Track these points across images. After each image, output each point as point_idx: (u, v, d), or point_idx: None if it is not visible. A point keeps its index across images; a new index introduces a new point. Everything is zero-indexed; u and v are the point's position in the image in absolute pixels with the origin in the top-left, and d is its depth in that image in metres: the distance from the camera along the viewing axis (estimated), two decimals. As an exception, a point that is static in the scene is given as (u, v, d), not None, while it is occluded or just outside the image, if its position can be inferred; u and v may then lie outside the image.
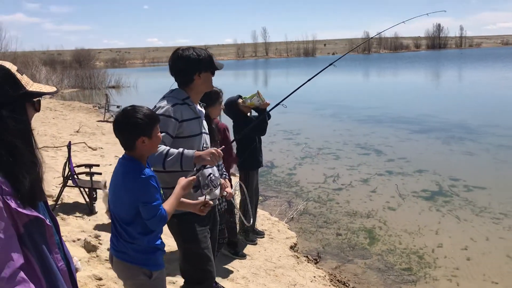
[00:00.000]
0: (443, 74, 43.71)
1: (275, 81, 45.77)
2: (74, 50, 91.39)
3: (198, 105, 3.13)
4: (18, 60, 32.38)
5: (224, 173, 3.86)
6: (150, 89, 34.87)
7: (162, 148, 2.72)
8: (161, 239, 2.46)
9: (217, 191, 3.15)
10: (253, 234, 5.54)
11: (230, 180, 3.91)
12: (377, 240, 6.08)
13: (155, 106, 2.93)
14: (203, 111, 3.19)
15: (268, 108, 4.54)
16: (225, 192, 3.49)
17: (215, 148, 2.84)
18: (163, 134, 2.72)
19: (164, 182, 2.77)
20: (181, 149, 2.76)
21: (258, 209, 6.55)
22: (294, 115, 18.45)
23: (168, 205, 2.38)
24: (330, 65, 4.05)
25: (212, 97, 3.92)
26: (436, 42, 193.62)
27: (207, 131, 3.20)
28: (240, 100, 4.95)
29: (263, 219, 6.37)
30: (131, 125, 2.29)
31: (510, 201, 7.27)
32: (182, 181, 2.54)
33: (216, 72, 3.13)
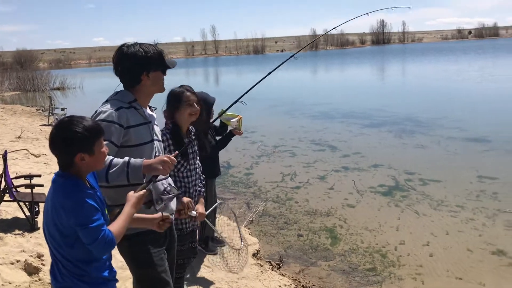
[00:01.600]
0: (389, 69, 44.91)
1: (226, 78, 45.42)
2: (15, 51, 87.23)
3: (148, 108, 2.76)
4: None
5: (201, 189, 3.50)
6: (97, 90, 33.59)
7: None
8: (111, 267, 2.13)
9: (173, 205, 2.81)
10: (213, 243, 5.24)
11: (206, 199, 3.52)
12: (339, 239, 5.95)
13: (96, 111, 2.55)
14: (154, 115, 2.81)
15: (227, 105, 4.28)
16: (194, 212, 3.13)
17: (167, 155, 2.48)
18: (105, 142, 2.33)
19: (110, 199, 2.41)
20: (126, 158, 2.40)
21: (216, 214, 6.28)
22: (248, 112, 18.11)
23: (115, 226, 2.04)
24: (291, 57, 3.90)
25: (173, 102, 3.31)
26: (380, 38, 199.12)
27: (160, 138, 2.83)
28: (220, 112, 4.72)
29: (223, 225, 6.08)
30: (67, 141, 1.94)
31: (464, 193, 7.36)
32: (131, 196, 2.20)
33: (168, 71, 2.77)
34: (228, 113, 4.69)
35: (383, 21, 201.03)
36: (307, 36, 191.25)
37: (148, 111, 2.75)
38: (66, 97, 32.25)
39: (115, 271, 2.15)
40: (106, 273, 2.07)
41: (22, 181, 5.94)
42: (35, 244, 4.96)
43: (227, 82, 39.08)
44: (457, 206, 6.82)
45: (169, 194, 2.56)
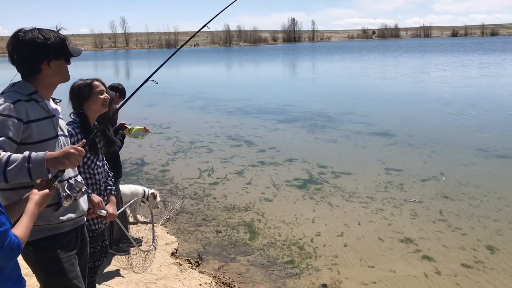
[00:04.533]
0: (300, 66, 46.38)
1: (137, 72, 44.06)
2: None
3: (51, 101, 2.49)
4: None
5: (112, 187, 3.27)
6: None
7: (1, 155, 2.06)
8: (20, 277, 1.91)
9: (84, 205, 2.59)
10: (125, 244, 5.01)
11: (117, 197, 3.29)
12: (257, 234, 5.98)
13: None
14: (59, 108, 2.55)
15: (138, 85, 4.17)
16: (104, 212, 2.93)
17: (73, 146, 2.20)
18: (1, 139, 2.11)
19: (10, 202, 2.16)
20: (27, 153, 2.10)
21: (129, 213, 6.04)
22: (162, 107, 17.90)
23: (20, 229, 1.82)
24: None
25: (83, 92, 3.12)
26: (292, 36, 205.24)
27: (66, 133, 2.57)
28: (126, 128, 4.52)
29: (138, 224, 5.87)
30: None
31: (373, 185, 7.76)
32: (35, 195, 1.98)
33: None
34: (133, 127, 4.58)
35: (293, 19, 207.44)
36: (221, 31, 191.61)
37: (52, 104, 2.49)
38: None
39: (24, 282, 1.93)
40: (10, 285, 1.84)
41: None
42: None
43: (140, 76, 37.93)
44: (367, 197, 7.17)
45: (77, 191, 2.34)
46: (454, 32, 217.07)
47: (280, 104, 17.94)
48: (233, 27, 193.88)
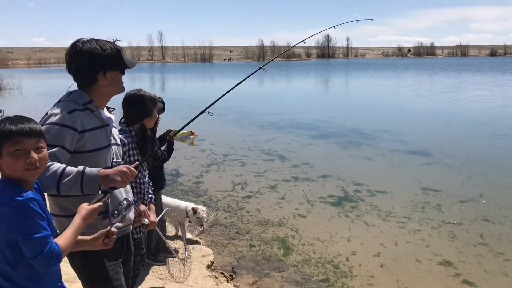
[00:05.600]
0: (333, 81, 46.16)
1: (172, 85, 44.84)
2: None
3: (105, 109, 2.55)
4: None
5: (150, 195, 3.31)
6: (38, 92, 32.14)
7: (56, 166, 2.10)
8: (61, 283, 1.93)
9: (131, 214, 2.63)
10: (162, 254, 5.04)
11: (156, 205, 3.33)
12: (291, 250, 5.92)
13: (46, 113, 2.31)
14: (112, 117, 2.60)
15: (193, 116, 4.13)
16: (146, 220, 2.97)
17: (127, 165, 2.27)
18: (56, 148, 2.16)
19: (62, 209, 2.21)
20: (81, 167, 2.16)
21: (166, 224, 6.08)
22: (197, 120, 17.96)
23: (63, 239, 1.84)
24: (259, 69, 3.83)
25: (147, 105, 3.21)
26: (326, 52, 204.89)
27: (118, 142, 2.63)
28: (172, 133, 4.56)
29: (170, 234, 5.91)
30: None
31: (410, 205, 7.58)
32: (83, 209, 1.99)
33: None
34: (180, 131, 4.58)
35: (328, 35, 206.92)
36: (255, 46, 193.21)
37: (106, 113, 2.55)
38: (3, 98, 30.57)
39: (64, 288, 1.95)
40: None
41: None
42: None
43: (175, 89, 38.59)
44: (404, 217, 7.01)
45: (126, 206, 2.37)
46: (493, 51, 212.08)
47: (313, 119, 17.86)
48: (267, 42, 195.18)
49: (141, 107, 3.17)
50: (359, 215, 7.15)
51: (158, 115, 4.12)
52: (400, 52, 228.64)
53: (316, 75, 60.24)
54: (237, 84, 3.49)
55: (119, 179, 2.19)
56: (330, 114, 19.42)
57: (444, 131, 15.04)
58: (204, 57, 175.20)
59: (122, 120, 3.21)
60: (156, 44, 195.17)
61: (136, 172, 2.26)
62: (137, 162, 2.44)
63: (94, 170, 2.17)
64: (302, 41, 3.94)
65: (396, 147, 12.28)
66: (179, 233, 5.78)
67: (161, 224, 5.03)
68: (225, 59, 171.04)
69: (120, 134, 2.94)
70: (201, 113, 3.24)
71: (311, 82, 45.30)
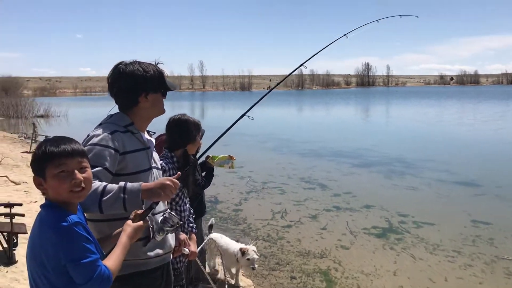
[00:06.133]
0: (374, 109, 45.57)
1: (212, 113, 45.46)
2: (0, 78, 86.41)
3: (145, 133, 2.50)
4: None
5: (192, 224, 3.20)
6: (83, 119, 33.21)
7: (97, 184, 2.05)
8: None
9: (171, 241, 2.51)
10: (203, 285, 4.91)
11: (197, 235, 3.23)
12: (334, 283, 5.66)
13: (88, 135, 2.29)
14: (153, 140, 2.54)
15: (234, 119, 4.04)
16: (187, 250, 2.86)
17: (168, 177, 2.17)
18: (98, 169, 2.10)
19: (103, 234, 2.12)
20: (122, 183, 2.11)
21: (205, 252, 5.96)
22: (236, 147, 18.00)
23: (112, 260, 1.78)
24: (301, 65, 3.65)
25: (191, 131, 3.16)
26: (365, 80, 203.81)
27: (158, 166, 2.56)
28: (210, 159, 4.52)
29: (209, 263, 5.77)
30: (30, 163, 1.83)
31: (460, 238, 7.18)
32: (129, 226, 1.95)
33: None
34: (218, 156, 4.52)
35: (368, 63, 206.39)
36: (294, 75, 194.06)
37: (146, 136, 2.49)
38: (50, 125, 31.80)
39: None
40: None
41: (1, 209, 5.57)
42: (12, 280, 4.57)
43: (214, 117, 39.06)
44: (453, 251, 6.62)
45: (171, 224, 2.21)
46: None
47: (354, 147, 17.53)
48: (306, 71, 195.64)
49: (185, 132, 3.11)
50: (405, 247, 6.81)
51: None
52: (442, 80, 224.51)
53: (356, 103, 59.76)
54: (269, 91, 3.38)
55: (162, 192, 2.10)
56: (372, 142, 19.01)
57: (492, 161, 14.40)
58: (243, 86, 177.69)
59: (165, 145, 3.15)
60: (197, 73, 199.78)
61: (179, 184, 2.17)
62: (179, 173, 2.32)
63: (136, 184, 2.11)
64: (301, 65, 3.64)
65: (442, 177, 11.81)
66: (228, 278, 5.38)
67: (202, 254, 4.92)
68: (264, 88, 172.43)
69: (161, 160, 2.87)
70: (241, 117, 3.11)
71: (351, 110, 44.89)
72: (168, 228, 2.19)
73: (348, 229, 7.74)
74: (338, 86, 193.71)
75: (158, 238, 2.18)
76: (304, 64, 3.71)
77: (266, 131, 23.68)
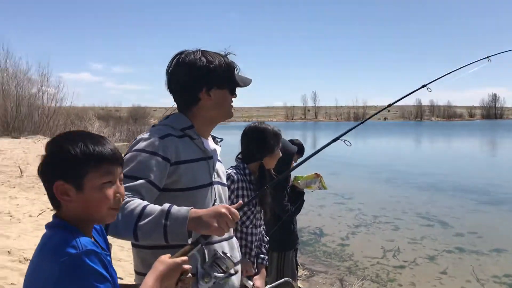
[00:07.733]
0: (503, 142, 41.21)
1: (322, 143, 44.77)
2: (130, 107, 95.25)
3: (209, 139, 2.02)
4: (72, 114, 33.50)
5: (264, 256, 2.66)
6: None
7: (136, 203, 1.58)
8: None
9: (235, 280, 1.94)
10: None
11: (266, 269, 2.67)
12: None
13: (135, 139, 1.85)
14: (218, 149, 2.03)
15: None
16: (250, 283, 2.27)
17: (226, 205, 1.65)
18: (140, 182, 1.65)
19: (145, 264, 1.67)
20: (166, 205, 1.60)
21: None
22: (346, 177, 17.25)
23: None
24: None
25: (268, 141, 2.68)
26: (492, 112, 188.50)
27: (224, 181, 2.04)
28: (294, 179, 4.01)
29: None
30: (49, 164, 1.27)
31: None
32: (161, 263, 1.39)
33: None
34: (303, 176, 3.93)
35: (495, 94, 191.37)
36: (411, 106, 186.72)
37: (210, 143, 2.00)
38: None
39: None
40: None
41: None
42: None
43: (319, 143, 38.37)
44: None
45: (223, 270, 1.61)
46: None
47: (481, 182, 15.66)
48: (425, 101, 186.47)
49: (262, 143, 2.63)
50: (551, 305, 5.54)
51: (292, 158, 3.55)
52: None
53: (481, 135, 54.88)
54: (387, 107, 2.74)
55: (216, 224, 1.56)
56: (503, 178, 16.88)
57: None
58: (357, 116, 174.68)
59: (239, 156, 2.70)
60: (310, 103, 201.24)
61: (239, 217, 1.62)
62: (240, 201, 1.73)
63: (183, 209, 1.59)
64: (424, 86, 2.78)
65: None
66: None
67: None
68: (379, 119, 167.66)
69: (230, 168, 2.40)
70: (334, 140, 2.45)
71: (476, 143, 41.13)
72: (217, 274, 1.59)
73: (474, 275, 6.59)
74: (460, 118, 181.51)
75: (203, 285, 1.58)
76: (428, 86, 2.87)
77: (380, 162, 22.44)
